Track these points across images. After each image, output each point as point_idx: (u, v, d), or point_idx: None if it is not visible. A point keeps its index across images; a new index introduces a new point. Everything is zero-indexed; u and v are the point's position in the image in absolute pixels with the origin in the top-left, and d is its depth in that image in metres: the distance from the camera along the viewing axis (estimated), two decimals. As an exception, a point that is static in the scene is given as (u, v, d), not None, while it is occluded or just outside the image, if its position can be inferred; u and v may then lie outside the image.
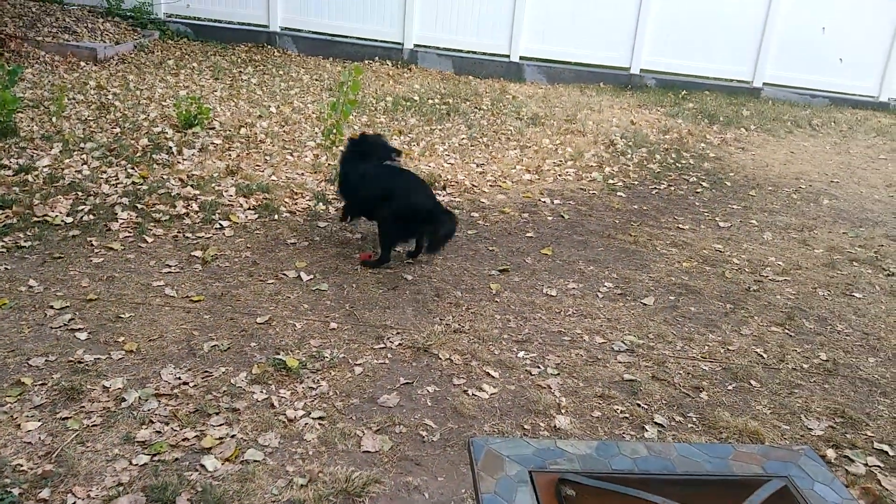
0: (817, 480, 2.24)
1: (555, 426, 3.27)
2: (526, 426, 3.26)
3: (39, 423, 2.94)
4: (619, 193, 6.66)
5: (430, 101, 9.30)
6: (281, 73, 10.06)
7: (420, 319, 4.09)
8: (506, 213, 5.89)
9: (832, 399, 3.68)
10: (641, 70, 11.71)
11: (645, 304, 4.51)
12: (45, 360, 3.37)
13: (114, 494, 2.60)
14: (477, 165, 6.99)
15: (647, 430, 3.28)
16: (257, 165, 6.32)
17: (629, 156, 7.80)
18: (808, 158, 8.54)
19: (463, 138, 7.85)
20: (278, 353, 3.61)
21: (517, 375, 3.64)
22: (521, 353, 3.83)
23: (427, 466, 2.96)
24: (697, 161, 7.88)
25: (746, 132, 9.43)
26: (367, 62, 11.31)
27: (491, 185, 6.52)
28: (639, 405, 3.48)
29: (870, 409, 3.63)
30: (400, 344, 3.83)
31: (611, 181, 6.96)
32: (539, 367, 3.72)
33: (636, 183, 7.00)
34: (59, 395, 3.13)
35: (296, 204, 5.61)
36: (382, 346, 3.80)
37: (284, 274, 4.48)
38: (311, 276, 4.46)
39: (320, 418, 3.18)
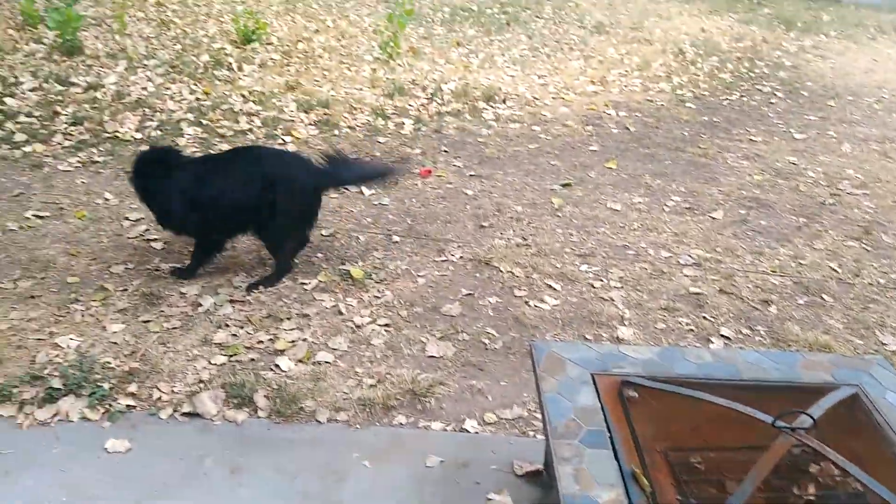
0: (890, 389, 2.19)
1: (617, 337, 3.27)
2: (588, 336, 3.27)
3: (124, 326, 3.10)
4: (688, 104, 6.40)
5: (489, 11, 9.00)
6: (336, -15, 9.84)
7: (481, 233, 4.09)
8: (568, 126, 5.74)
9: (909, 314, 3.57)
10: (714, -26, 10.99)
11: (714, 218, 4.39)
12: (125, 268, 3.53)
13: (195, 390, 2.76)
14: (538, 77, 6.80)
15: (712, 343, 3.25)
16: (316, 80, 6.29)
17: (699, 65, 7.45)
18: (893, 67, 7.98)
19: (524, 49, 7.61)
20: (343, 264, 3.68)
21: (579, 288, 3.63)
22: (583, 267, 3.81)
23: (490, 371, 3.02)
24: (772, 70, 7.46)
25: (826, 39, 8.84)
26: (423, -28, 10.94)
27: (553, 98, 6.34)
28: (705, 318, 3.43)
29: (950, 324, 3.51)
30: (461, 257, 3.85)
31: (679, 92, 6.67)
32: (602, 280, 3.70)
33: (706, 93, 6.70)
34: (140, 299, 3.29)
35: (355, 119, 5.59)
36: (444, 258, 3.83)
37: (346, 189, 4.52)
38: (373, 192, 4.48)
39: (386, 325, 3.27)
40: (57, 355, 2.87)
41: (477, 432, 2.70)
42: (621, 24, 8.79)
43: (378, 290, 3.52)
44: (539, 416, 2.78)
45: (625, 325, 3.36)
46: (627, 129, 5.75)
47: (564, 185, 4.73)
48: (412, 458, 2.53)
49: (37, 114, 5.10)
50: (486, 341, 3.21)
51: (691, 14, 9.54)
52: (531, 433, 2.71)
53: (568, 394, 2.09)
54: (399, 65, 6.80)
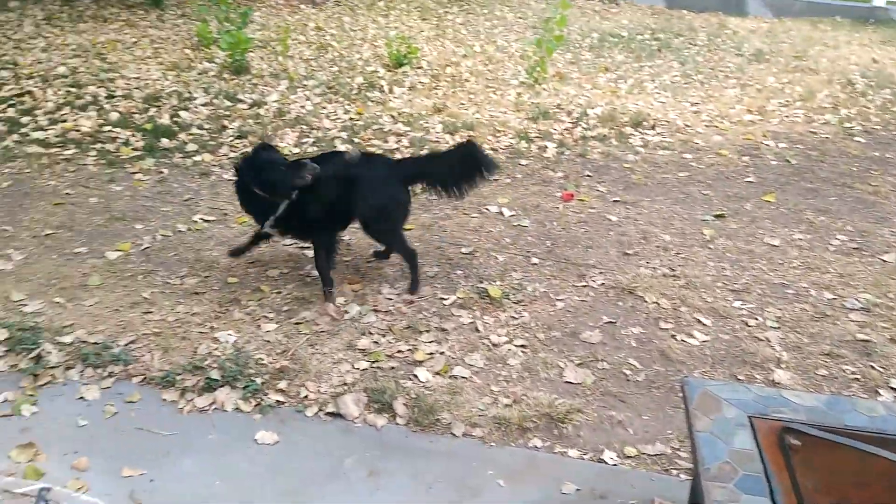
0: None
1: (773, 380, 3.04)
2: (740, 377, 3.07)
3: (276, 326, 3.27)
4: (857, 138, 5.92)
5: (640, 37, 8.85)
6: (485, 11, 10.06)
7: (625, 261, 3.97)
8: (722, 156, 5.48)
9: None
10: (887, 2, 10.20)
11: (885, 261, 4.01)
12: (280, 273, 3.74)
13: (340, 392, 2.86)
14: (691, 104, 6.57)
15: (880, 395, 2.95)
16: (462, 104, 6.41)
17: (870, 97, 6.89)
18: None
19: (675, 75, 7.39)
20: (482, 282, 3.69)
21: (732, 325, 3.42)
22: (736, 303, 3.59)
23: (631, 404, 2.91)
24: (957, 105, 6.77)
25: None
26: None
27: (706, 126, 6.09)
28: (873, 367, 3.13)
29: None
30: (603, 284, 3.75)
31: (847, 124, 6.20)
32: (757, 319, 3.47)
33: (878, 127, 6.18)
34: (292, 302, 3.46)
35: (498, 141, 5.63)
36: (584, 284, 3.75)
37: (487, 209, 4.54)
38: (513, 213, 4.49)
39: (522, 346, 3.23)
40: (216, 348, 3.07)
41: (616, 464, 2.60)
42: (783, 52, 8.33)
43: (515, 311, 3.49)
44: (684, 455, 2.63)
45: (781, 368, 3.12)
46: (788, 161, 5.41)
47: (717, 216, 4.51)
48: (547, 482, 2.47)
49: (207, 127, 5.56)
50: (628, 372, 3.09)
51: (861, 43, 8.88)
52: (674, 472, 2.57)
53: (723, 435, 1.98)
54: (544, 89, 6.81)
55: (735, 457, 1.89)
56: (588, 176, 5.05)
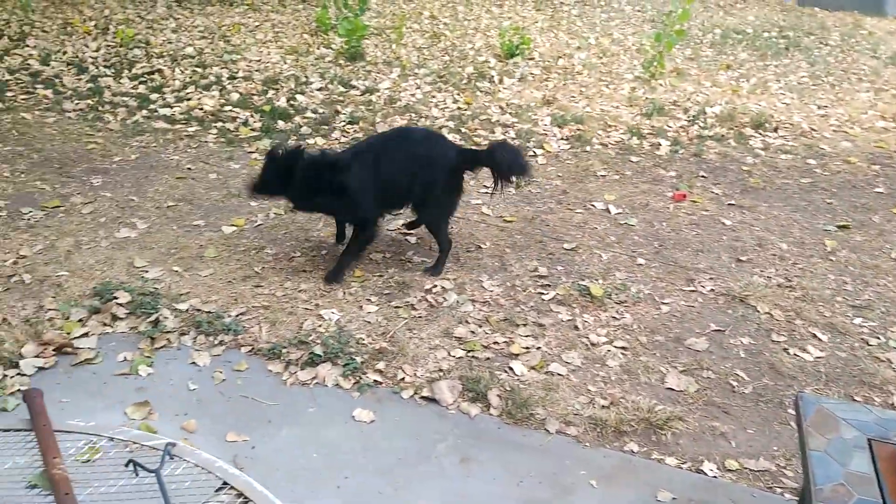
0: None
1: (893, 404, 2.82)
2: (856, 398, 2.86)
3: (377, 308, 3.34)
4: None
5: (766, 35, 8.41)
6: (602, 3, 9.85)
7: (737, 268, 3.79)
8: (850, 164, 5.13)
9: None
10: None
11: None
12: (382, 257, 3.81)
13: (435, 377, 2.88)
14: (818, 107, 6.18)
15: None
16: (572, 97, 6.31)
17: None
18: None
19: (803, 76, 6.98)
20: (583, 280, 3.62)
21: (850, 343, 3.20)
22: (857, 320, 3.36)
23: (736, 416, 2.77)
24: None
25: None
26: (694, -7, 10.54)
27: (834, 131, 5.71)
28: None
29: None
30: (712, 290, 3.59)
31: None
32: (879, 338, 3.23)
33: None
34: (393, 287, 3.52)
35: (608, 137, 5.50)
36: (692, 289, 3.60)
37: (592, 205, 4.45)
38: (620, 210, 4.37)
39: (623, 348, 3.15)
40: (320, 325, 3.17)
41: (715, 476, 2.49)
42: (925, 54, 7.70)
43: (617, 312, 3.40)
44: (790, 473, 2.49)
45: (905, 393, 2.89)
46: (924, 172, 5.00)
47: (841, 227, 4.22)
48: (642, 488, 2.40)
49: (321, 111, 5.73)
50: (734, 383, 2.95)
51: None
52: (778, 490, 2.44)
53: (839, 456, 1.86)
54: (661, 85, 6.59)
55: (851, 479, 1.78)
56: (702, 177, 4.85)
